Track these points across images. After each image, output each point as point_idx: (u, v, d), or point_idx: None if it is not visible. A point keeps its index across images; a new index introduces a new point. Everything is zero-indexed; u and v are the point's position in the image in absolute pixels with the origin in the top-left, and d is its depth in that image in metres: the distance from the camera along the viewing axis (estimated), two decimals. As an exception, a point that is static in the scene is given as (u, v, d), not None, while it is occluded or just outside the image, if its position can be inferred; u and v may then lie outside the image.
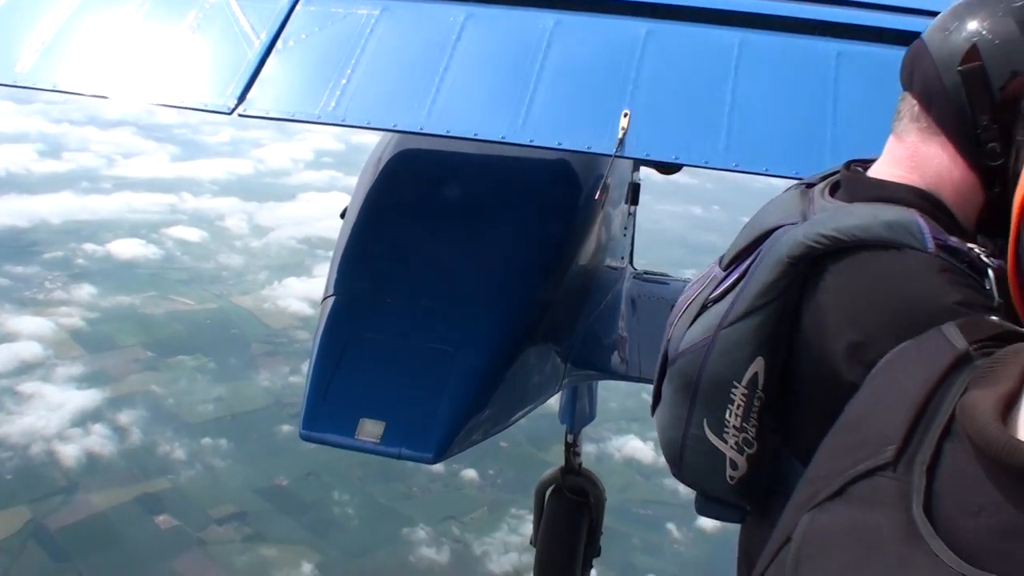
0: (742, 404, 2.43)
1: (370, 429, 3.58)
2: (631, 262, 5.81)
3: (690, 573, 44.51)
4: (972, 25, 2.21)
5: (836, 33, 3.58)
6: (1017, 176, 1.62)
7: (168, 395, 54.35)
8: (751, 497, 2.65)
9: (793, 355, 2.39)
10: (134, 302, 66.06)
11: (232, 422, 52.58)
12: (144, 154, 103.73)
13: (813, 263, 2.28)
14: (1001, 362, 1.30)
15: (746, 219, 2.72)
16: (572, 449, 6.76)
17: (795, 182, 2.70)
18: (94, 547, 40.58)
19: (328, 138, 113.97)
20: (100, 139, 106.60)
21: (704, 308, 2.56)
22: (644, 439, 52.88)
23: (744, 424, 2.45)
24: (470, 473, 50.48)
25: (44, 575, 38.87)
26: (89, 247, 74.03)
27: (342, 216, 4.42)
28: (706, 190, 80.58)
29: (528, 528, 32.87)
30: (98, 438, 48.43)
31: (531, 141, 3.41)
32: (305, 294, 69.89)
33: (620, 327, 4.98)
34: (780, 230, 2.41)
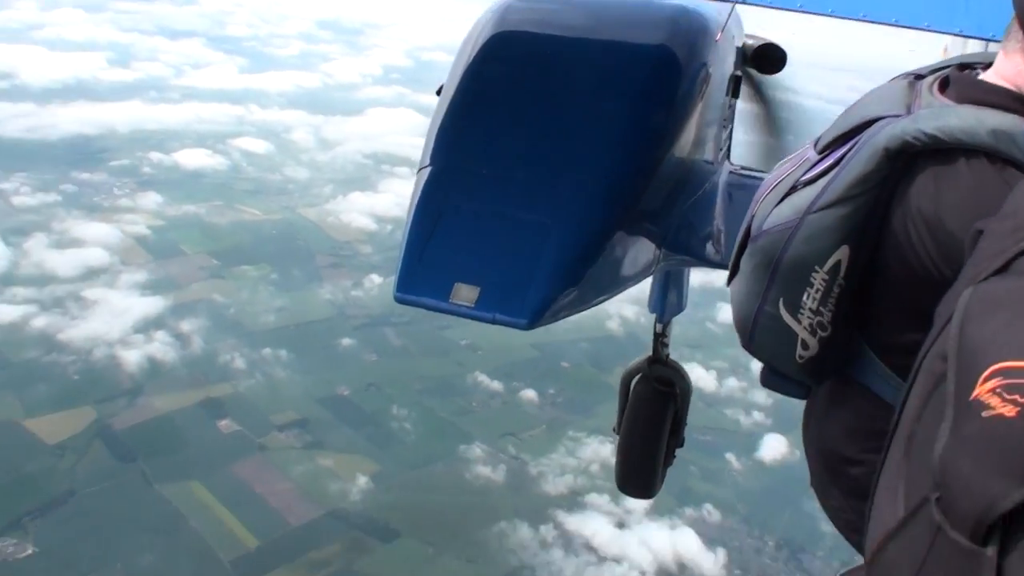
0: (821, 289, 2.47)
1: (465, 293, 3.52)
2: (728, 156, 5.48)
3: (747, 502, 44.29)
4: None
5: None
6: None
7: (230, 304, 54.81)
8: (818, 377, 2.72)
9: (880, 248, 2.43)
10: (199, 211, 66.65)
11: (295, 331, 52.92)
12: (212, 65, 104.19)
13: (911, 160, 2.32)
14: None
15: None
16: (661, 339, 6.44)
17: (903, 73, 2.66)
18: (157, 448, 41.27)
19: (397, 54, 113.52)
20: (169, 49, 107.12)
21: (794, 189, 2.58)
22: (707, 367, 52.42)
23: (821, 308, 2.50)
24: (529, 393, 50.51)
25: (109, 473, 39.47)
26: (156, 156, 74.68)
27: (438, 93, 4.29)
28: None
29: (586, 451, 33.28)
30: (160, 344, 49.14)
31: None
32: (370, 209, 70.04)
33: (715, 218, 4.79)
34: (882, 121, 2.40)
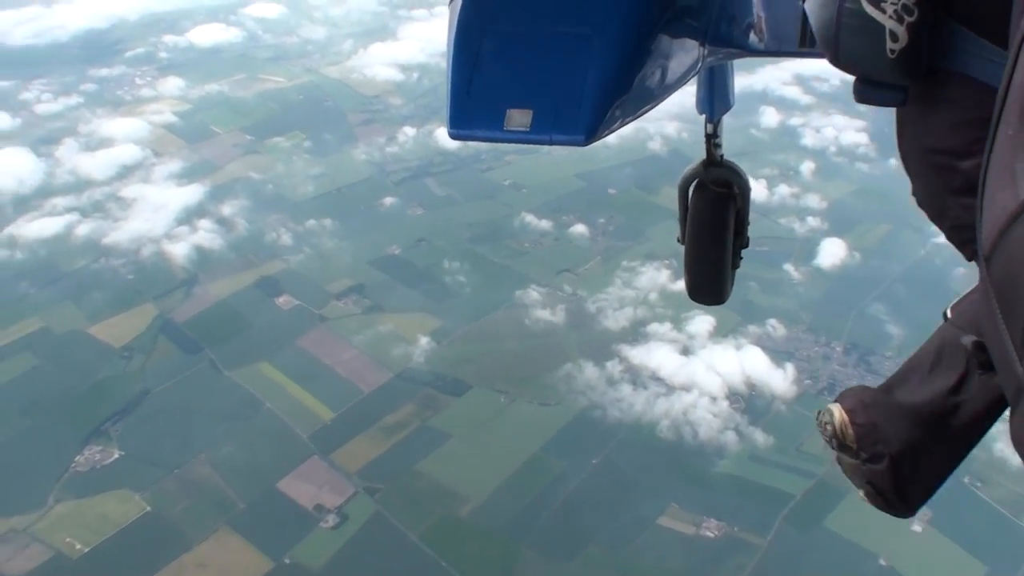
0: None
1: (518, 119, 3.50)
2: None
3: (810, 311, 43.81)
4: None
5: None
6: None
7: (268, 180, 54.37)
8: (913, 72, 2.56)
9: None
10: (223, 88, 65.72)
11: (336, 197, 52.65)
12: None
13: None
14: None
15: None
16: (713, 140, 6.26)
17: None
18: (221, 335, 41.79)
19: None
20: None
21: None
22: (755, 176, 50.99)
23: None
24: (579, 228, 50.00)
25: (178, 367, 40.07)
26: (170, 39, 73.40)
27: None
28: None
29: (642, 280, 32.87)
30: (205, 233, 49.20)
31: None
32: (393, 59, 68.56)
33: (755, 5, 4.64)
34: None
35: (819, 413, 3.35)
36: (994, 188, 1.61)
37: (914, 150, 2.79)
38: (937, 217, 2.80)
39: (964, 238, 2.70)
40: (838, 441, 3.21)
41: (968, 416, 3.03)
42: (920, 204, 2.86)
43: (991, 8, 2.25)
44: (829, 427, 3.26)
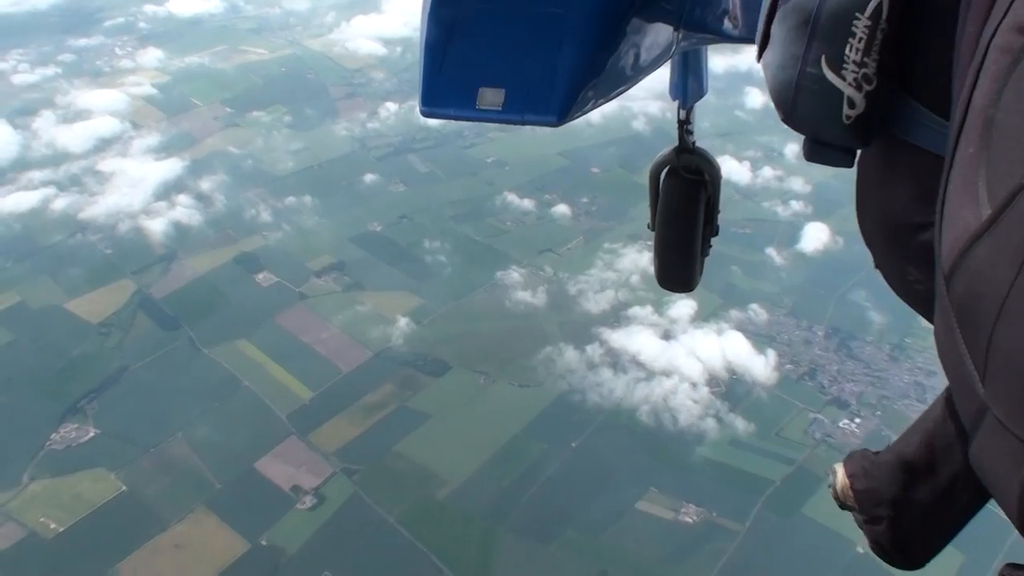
0: (864, 37, 2.41)
1: (490, 97, 3.52)
2: None
3: (792, 295, 43.78)
4: None
5: None
6: None
7: (247, 155, 53.84)
8: (865, 138, 2.58)
9: None
10: (203, 60, 65.07)
11: (317, 172, 52.32)
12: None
13: None
14: None
15: None
16: (685, 127, 6.26)
17: None
18: (200, 311, 41.52)
19: None
20: None
21: None
22: (739, 159, 51.13)
23: (865, 59, 2.43)
24: (562, 207, 49.82)
25: (156, 344, 39.77)
26: (150, 8, 72.60)
27: None
28: None
29: (623, 263, 32.79)
30: (183, 209, 48.71)
31: None
32: (376, 32, 67.97)
33: None
34: None
35: (828, 473, 3.43)
36: (955, 207, 1.63)
37: (871, 218, 2.82)
38: (898, 284, 2.80)
39: (923, 300, 2.65)
40: (839, 502, 3.32)
41: (967, 480, 3.08)
42: (883, 274, 2.87)
43: (943, 84, 2.26)
44: (831, 488, 3.35)
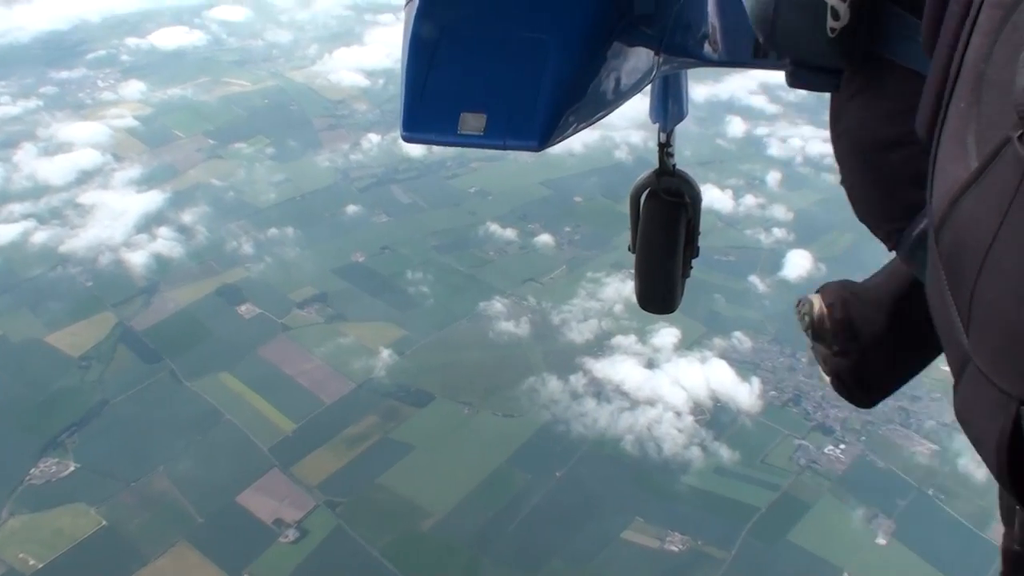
0: None
1: (472, 123, 3.55)
2: None
3: (776, 322, 43.57)
4: None
5: None
6: None
7: (229, 187, 53.80)
8: (851, 54, 2.47)
9: None
10: (186, 92, 65.00)
11: (300, 203, 52.25)
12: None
13: None
14: None
15: None
16: (665, 149, 6.38)
17: None
18: (182, 344, 41.24)
19: None
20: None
21: None
22: (722, 187, 51.41)
23: None
24: (545, 237, 49.82)
25: (137, 377, 39.48)
26: (132, 41, 72.36)
27: None
28: None
29: (607, 292, 32.99)
30: (165, 241, 48.49)
31: None
32: (358, 64, 68.21)
33: (710, 15, 4.66)
34: None
35: (799, 302, 3.29)
36: (945, 160, 1.64)
37: (842, 135, 2.74)
38: (863, 207, 2.75)
39: (888, 229, 2.66)
40: (814, 332, 3.19)
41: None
42: (849, 194, 2.81)
43: None
44: (807, 318, 3.21)
